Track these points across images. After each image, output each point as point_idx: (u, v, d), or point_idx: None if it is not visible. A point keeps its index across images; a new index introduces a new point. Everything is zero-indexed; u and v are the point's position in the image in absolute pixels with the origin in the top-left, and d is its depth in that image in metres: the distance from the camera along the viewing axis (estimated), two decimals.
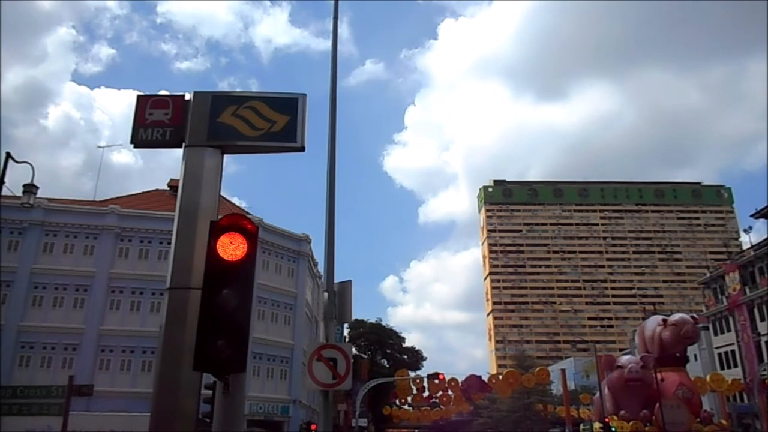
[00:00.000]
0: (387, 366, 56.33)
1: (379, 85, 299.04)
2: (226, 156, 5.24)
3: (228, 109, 5.44)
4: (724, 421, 40.07)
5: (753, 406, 41.18)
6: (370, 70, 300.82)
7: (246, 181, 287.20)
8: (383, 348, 58.53)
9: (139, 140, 5.30)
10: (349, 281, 8.24)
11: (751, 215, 61.26)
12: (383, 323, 60.73)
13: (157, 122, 5.33)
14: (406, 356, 59.59)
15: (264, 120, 5.47)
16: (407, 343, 62.14)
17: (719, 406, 47.79)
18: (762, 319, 56.54)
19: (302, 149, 5.57)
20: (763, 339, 55.84)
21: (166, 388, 4.34)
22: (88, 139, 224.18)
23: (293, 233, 40.12)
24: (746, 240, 77.93)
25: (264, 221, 37.11)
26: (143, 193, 41.03)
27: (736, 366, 57.54)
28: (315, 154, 8.51)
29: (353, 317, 59.72)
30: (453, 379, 45.44)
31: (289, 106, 5.58)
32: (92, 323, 32.01)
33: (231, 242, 4.09)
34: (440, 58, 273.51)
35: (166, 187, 39.95)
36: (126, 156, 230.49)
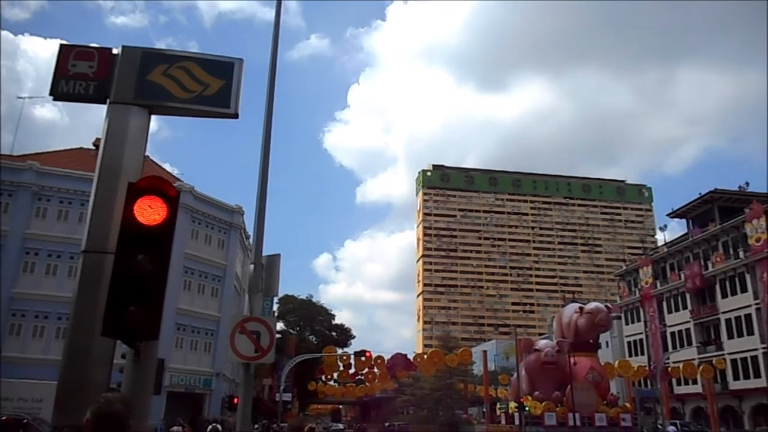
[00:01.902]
0: (315, 342, 56.42)
1: (324, 61, 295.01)
2: (159, 119, 5.05)
3: (159, 68, 5.20)
4: (628, 404, 42.67)
5: (655, 392, 43.99)
6: (315, 45, 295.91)
7: (180, 147, 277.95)
8: (312, 324, 58.53)
9: (59, 92, 5.02)
10: (278, 255, 8.15)
11: (668, 214, 65.05)
12: (314, 300, 60.75)
13: (80, 75, 5.05)
14: (334, 333, 59.87)
15: (196, 82, 5.27)
16: (337, 321, 62.52)
17: (625, 391, 50.80)
18: (669, 312, 60.37)
19: (235, 116, 5.41)
20: (669, 330, 59.69)
21: (76, 356, 4.17)
22: (9, 88, 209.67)
23: (226, 204, 39.23)
24: (661, 237, 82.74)
25: (196, 189, 36.09)
26: (66, 150, 38.88)
27: (642, 354, 61.31)
28: (255, 125, 8.28)
29: (284, 293, 59.32)
30: (379, 357, 46.15)
31: (224, 70, 5.40)
32: (3, 285, 30.27)
33: (150, 206, 3.93)
34: (387, 39, 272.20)
35: (91, 147, 38.04)
36: (50, 111, 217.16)
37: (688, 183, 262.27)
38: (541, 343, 42.10)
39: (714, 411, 48.84)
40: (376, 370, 48.65)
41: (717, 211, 57.05)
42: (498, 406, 47.56)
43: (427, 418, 67.11)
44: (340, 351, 51.79)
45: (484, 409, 53.63)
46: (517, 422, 37.81)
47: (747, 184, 57.82)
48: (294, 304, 57.29)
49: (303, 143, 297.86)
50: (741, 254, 50.87)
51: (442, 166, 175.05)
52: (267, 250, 7.87)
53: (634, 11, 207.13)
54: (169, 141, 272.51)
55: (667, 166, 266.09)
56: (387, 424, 70.58)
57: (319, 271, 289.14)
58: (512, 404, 41.08)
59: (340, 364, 46.71)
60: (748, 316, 49.88)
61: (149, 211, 3.91)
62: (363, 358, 43.42)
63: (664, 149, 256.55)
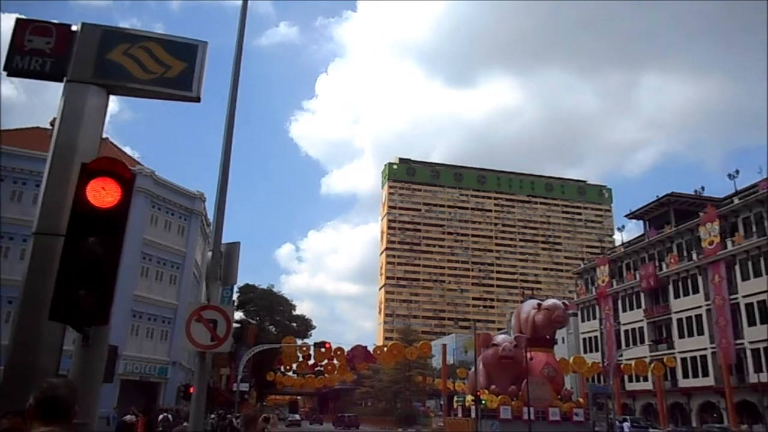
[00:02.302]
0: (275, 333, 56.00)
1: (292, 49, 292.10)
2: (122, 101, 4.91)
3: (119, 47, 5.06)
4: (581, 399, 43.67)
5: (607, 388, 45.25)
6: (284, 32, 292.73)
7: (143, 131, 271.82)
8: (273, 314, 58.06)
9: (13, 68, 4.84)
10: (237, 243, 8.03)
11: (626, 216, 66.80)
12: (275, 290, 60.23)
13: (36, 51, 4.88)
14: (295, 324, 59.53)
15: (158, 64, 5.15)
16: (298, 311, 62.18)
17: (579, 386, 52.03)
18: (624, 310, 62.06)
19: (197, 99, 5.31)
20: (623, 328, 61.40)
21: (23, 341, 4.05)
22: None
23: (187, 190, 38.53)
24: (619, 238, 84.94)
25: (156, 174, 35.33)
26: (21, 129, 37.51)
27: (597, 350, 62.93)
28: (220, 110, 8.14)
29: (245, 282, 58.69)
30: (339, 349, 46.08)
31: (187, 52, 5.28)
32: None
33: (103, 188, 3.82)
34: (357, 30, 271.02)
35: (48, 126, 36.80)
36: (7, 88, 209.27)
37: (646, 186, 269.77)
38: (500, 338, 42.68)
39: (663, 408, 50.53)
40: (335, 361, 48.55)
41: (673, 213, 58.82)
42: (455, 399, 48.11)
43: (385, 410, 67.65)
44: (300, 342, 51.56)
45: (442, 402, 54.24)
46: (473, 415, 38.31)
47: (702, 188, 59.85)
48: (255, 293, 56.71)
49: (269, 131, 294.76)
50: (694, 256, 52.59)
51: (409, 159, 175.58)
52: (228, 238, 7.76)
53: (601, 15, 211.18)
54: (131, 124, 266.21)
55: (626, 169, 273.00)
56: (339, 414, 71.18)
57: (281, 261, 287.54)
58: (469, 397, 41.60)
59: (300, 355, 46.47)
60: (698, 317, 51.67)
61: (102, 193, 3.81)
62: (323, 350, 43.32)
63: (625, 152, 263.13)
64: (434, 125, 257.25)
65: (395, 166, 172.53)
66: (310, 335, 60.85)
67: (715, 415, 49.04)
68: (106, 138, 37.83)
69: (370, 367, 64.91)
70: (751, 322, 45.52)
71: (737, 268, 47.75)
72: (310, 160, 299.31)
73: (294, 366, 50.07)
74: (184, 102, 5.43)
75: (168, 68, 5.11)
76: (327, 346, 42.80)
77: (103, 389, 4.87)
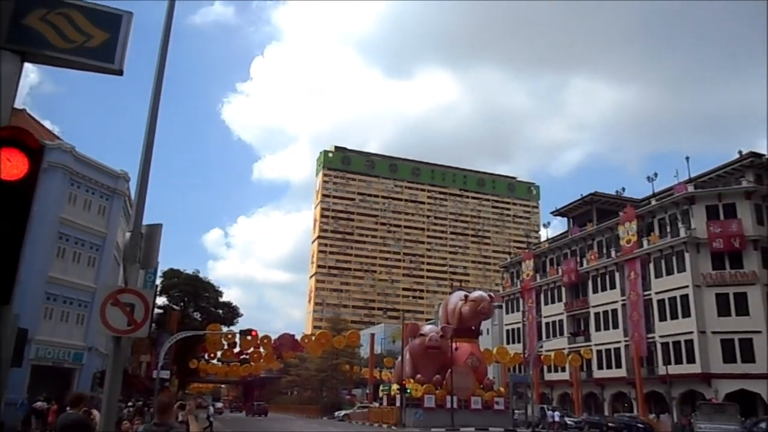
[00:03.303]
0: (200, 319, 54.56)
1: (228, 29, 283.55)
2: (42, 73, 4.55)
3: (36, 12, 4.71)
4: (502, 389, 45.22)
5: (527, 377, 47.02)
6: (220, 11, 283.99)
7: (65, 104, 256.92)
8: (198, 301, 56.51)
9: None
10: (159, 225, 7.68)
11: (551, 212, 69.42)
12: (201, 276, 58.54)
13: None
14: (221, 311, 58.21)
15: (79, 32, 4.84)
16: (225, 298, 60.72)
17: (501, 376, 53.80)
18: (546, 303, 64.55)
19: (119, 72, 5.06)
20: (544, 320, 63.87)
21: None
22: None
23: (110, 168, 36.74)
24: (544, 234, 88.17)
25: (77, 150, 33.50)
26: None
27: (519, 342, 65.16)
28: (149, 88, 7.75)
29: (170, 267, 56.75)
30: (266, 337, 45.53)
31: (110, 22, 4.98)
32: None
33: (8, 159, 3.55)
34: (295, 14, 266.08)
35: None
36: None
37: (572, 184, 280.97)
38: (427, 328, 43.49)
39: (578, 397, 53.01)
40: (261, 349, 47.97)
41: (595, 212, 61.57)
42: (381, 387, 48.67)
43: (311, 399, 67.58)
44: (225, 329, 50.52)
45: (368, 391, 54.70)
46: (398, 404, 38.88)
47: (623, 189, 62.88)
48: (179, 278, 54.97)
49: (199, 112, 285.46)
50: (613, 254, 55.29)
51: (344, 148, 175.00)
52: (152, 220, 7.43)
53: (535, 17, 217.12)
54: (53, 97, 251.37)
55: (553, 168, 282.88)
56: (251, 403, 71.27)
57: (209, 247, 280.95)
58: (394, 386, 42.19)
59: (225, 343, 45.54)
60: (614, 311, 54.43)
61: (8, 165, 3.54)
62: (249, 337, 42.63)
63: (553, 151, 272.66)
64: (371, 115, 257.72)
65: (330, 154, 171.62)
66: (237, 323, 59.71)
67: (626, 404, 51.96)
68: (23, 109, 35.52)
69: (297, 356, 64.54)
70: (662, 318, 48.40)
71: (651, 265, 50.59)
72: (243, 144, 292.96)
73: (218, 354, 49.12)
74: (107, 74, 5.18)
75: (89, 38, 4.82)
76: (253, 333, 42.16)
77: (13, 374, 4.57)
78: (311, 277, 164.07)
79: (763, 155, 50.71)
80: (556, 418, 40.10)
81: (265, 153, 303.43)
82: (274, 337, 45.93)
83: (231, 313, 59.58)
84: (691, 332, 45.38)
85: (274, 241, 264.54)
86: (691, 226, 47.75)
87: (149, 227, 7.13)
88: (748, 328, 43.42)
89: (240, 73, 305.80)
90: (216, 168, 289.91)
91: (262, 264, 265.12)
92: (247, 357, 52.56)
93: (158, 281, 50.57)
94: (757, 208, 46.61)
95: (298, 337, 46.00)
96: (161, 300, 54.23)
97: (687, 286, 46.47)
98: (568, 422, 43.29)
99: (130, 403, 29.64)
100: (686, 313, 46.18)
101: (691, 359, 45.19)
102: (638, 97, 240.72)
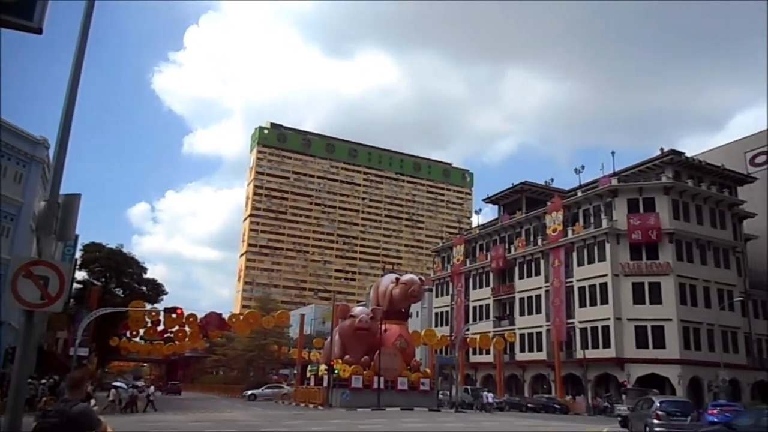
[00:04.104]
0: (122, 296, 52.43)
1: None
2: None
3: None
4: (428, 370, 46.15)
5: (453, 359, 48.12)
6: None
7: None
8: (120, 276, 54.22)
9: None
10: (78, 195, 7.22)
11: (483, 200, 70.88)
12: (125, 251, 56.14)
13: None
14: (145, 288, 56.12)
15: None
16: (149, 275, 58.52)
17: (428, 357, 54.88)
18: (474, 288, 66.20)
19: (39, 31, 4.73)
20: (472, 304, 65.53)
21: None
22: None
23: (27, 133, 34.50)
24: (476, 220, 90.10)
25: None
26: None
27: (447, 324, 66.64)
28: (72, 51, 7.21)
29: (91, 240, 54.15)
30: (192, 315, 44.41)
31: None
32: None
33: None
34: None
35: None
36: None
37: (503, 173, 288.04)
38: (357, 309, 43.62)
39: (501, 378, 54.89)
40: (187, 328, 46.74)
41: (525, 201, 63.44)
42: (309, 368, 48.62)
43: (237, 379, 66.82)
44: (149, 306, 48.83)
45: (296, 371, 54.55)
46: (325, 384, 38.97)
47: (552, 180, 65.07)
48: (101, 252, 52.52)
49: (128, 80, 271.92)
50: (539, 241, 57.23)
51: (281, 125, 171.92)
52: (73, 190, 6.98)
53: (475, 6, 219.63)
54: None
55: (486, 156, 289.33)
56: (170, 383, 70.31)
57: (134, 221, 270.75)
58: (322, 367, 42.24)
59: (148, 320, 44.02)
60: (538, 297, 56.51)
61: None
62: (174, 315, 41.40)
63: (487, 140, 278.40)
64: (308, 93, 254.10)
65: (266, 131, 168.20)
66: (162, 300, 57.80)
67: (545, 386, 54.27)
68: None
69: (225, 335, 63.51)
70: (582, 304, 50.68)
71: (574, 254, 52.75)
72: (174, 116, 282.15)
73: (141, 332, 47.56)
74: (26, 33, 4.81)
75: None
76: (179, 312, 41.01)
77: None
78: (242, 255, 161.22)
79: (683, 153, 53.66)
80: (490, 399, 41.75)
81: (197, 126, 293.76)
82: (200, 315, 44.87)
83: (155, 290, 57.62)
84: (608, 319, 47.77)
85: (204, 217, 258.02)
86: (613, 218, 50.04)
87: (67, 197, 6.68)
88: (660, 316, 46.16)
89: (173, 42, 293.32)
90: (144, 139, 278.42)
91: (190, 241, 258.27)
92: (172, 336, 51.12)
93: (78, 255, 48.19)
94: (674, 203, 49.37)
95: (226, 317, 45.11)
96: (81, 275, 51.75)
97: (606, 275, 48.79)
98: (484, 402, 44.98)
99: (44, 381, 28.24)
100: (604, 301, 48.54)
101: (606, 344, 47.62)
102: (570, 92, 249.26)
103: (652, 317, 46.35)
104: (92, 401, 32.10)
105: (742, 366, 47.99)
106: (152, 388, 37.40)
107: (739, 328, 49.39)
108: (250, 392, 51.41)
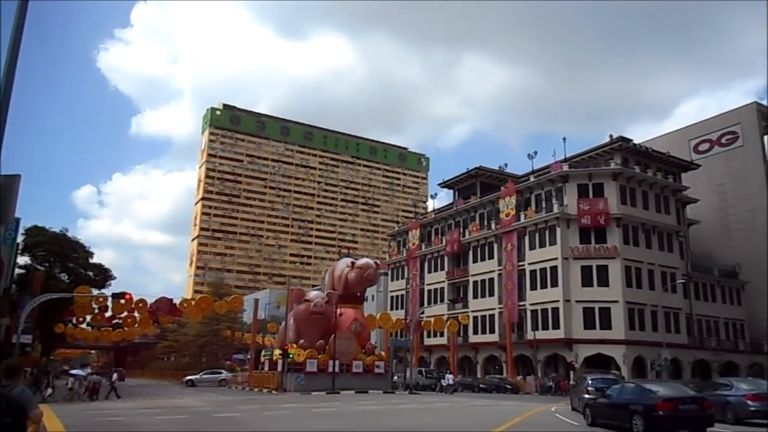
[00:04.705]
0: (67, 281, 50.54)
1: None
2: None
3: None
4: (383, 353, 46.47)
5: (408, 342, 48.57)
6: None
7: None
8: (65, 261, 52.19)
9: None
10: (18, 176, 6.85)
11: (438, 184, 71.34)
12: (70, 235, 54.01)
13: None
14: (91, 273, 54.23)
15: None
16: (96, 260, 56.56)
17: (383, 340, 55.22)
18: (429, 272, 66.78)
19: None
20: (427, 288, 66.14)
21: None
22: None
23: None
24: (431, 204, 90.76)
25: None
26: None
27: (402, 308, 67.11)
28: (9, 24, 6.72)
29: (33, 223, 51.93)
30: (141, 300, 43.30)
31: None
32: None
33: None
34: None
35: None
36: None
37: (458, 158, 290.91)
38: (312, 293, 43.40)
39: (454, 360, 55.73)
40: (136, 314, 45.62)
41: (479, 186, 64.19)
42: (263, 353, 48.20)
43: (189, 365, 65.75)
44: (96, 292, 47.29)
45: (249, 356, 54.04)
46: (279, 369, 38.71)
47: (506, 165, 66.03)
48: (44, 236, 50.42)
49: (73, 57, 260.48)
50: (493, 226, 58.06)
51: (234, 107, 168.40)
52: (12, 171, 6.67)
53: None
54: None
55: (441, 141, 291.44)
56: (114, 369, 69.03)
57: (79, 204, 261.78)
58: (277, 351, 41.93)
59: (95, 306, 42.64)
60: (491, 280, 57.43)
61: None
62: (122, 301, 40.17)
63: (442, 125, 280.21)
64: (262, 75, 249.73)
65: (218, 112, 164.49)
66: (109, 285, 55.98)
67: (497, 366, 55.43)
68: None
69: (176, 321, 62.28)
70: (533, 287, 51.78)
71: (527, 238, 53.75)
72: (120, 95, 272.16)
73: (88, 318, 46.09)
74: None
75: None
76: (127, 297, 39.81)
77: None
78: (193, 240, 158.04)
79: (631, 140, 55.14)
80: (450, 381, 42.57)
81: (146, 107, 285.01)
82: (150, 301, 43.79)
83: (102, 275, 55.79)
84: (558, 301, 48.99)
85: (154, 200, 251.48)
86: (564, 203, 51.14)
87: (6, 178, 6.29)
88: (607, 298, 47.62)
89: (119, 18, 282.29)
90: (89, 120, 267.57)
91: (139, 225, 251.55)
92: (120, 322, 49.79)
93: (20, 239, 46.12)
94: (622, 189, 50.79)
95: (177, 302, 44.14)
96: (23, 259, 49.60)
97: (556, 258, 49.94)
98: (443, 383, 45.78)
99: None
100: (554, 283, 49.72)
101: (556, 325, 48.88)
102: (524, 79, 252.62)
103: (600, 299, 47.78)
104: (49, 390, 31.21)
105: (684, 345, 50.08)
106: (115, 375, 36.66)
107: (681, 309, 51.44)
108: (187, 378, 50.83)
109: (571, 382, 39.71)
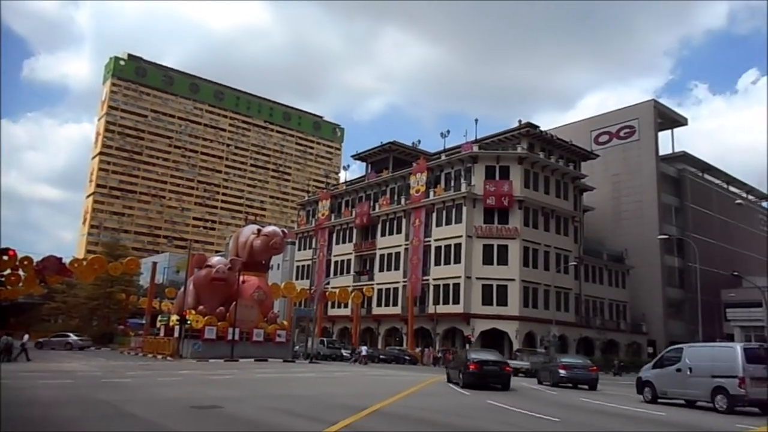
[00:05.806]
0: None
1: None
2: None
3: None
4: (285, 322, 46.18)
5: (311, 312, 48.51)
6: None
7: None
8: None
9: None
10: None
11: (352, 156, 71.13)
12: None
13: None
14: None
15: None
16: None
17: (287, 310, 54.83)
18: (337, 243, 66.81)
19: None
20: (334, 259, 66.19)
21: None
22: None
23: None
24: (343, 176, 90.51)
25: None
26: None
27: (308, 278, 66.93)
28: None
29: None
30: (27, 258, 40.06)
31: None
32: None
33: None
34: None
35: None
36: None
37: (372, 132, 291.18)
38: (215, 259, 42.17)
39: (357, 331, 56.38)
40: (21, 272, 42.30)
41: (392, 160, 64.63)
42: (159, 318, 46.45)
43: (78, 328, 62.32)
44: None
45: (144, 321, 51.95)
46: (176, 335, 37.46)
47: (419, 141, 66.99)
48: None
49: None
50: (402, 201, 58.77)
51: (140, 58, 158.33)
52: None
53: None
54: None
55: (355, 113, 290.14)
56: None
57: None
58: (174, 317, 40.53)
59: None
60: (397, 254, 58.34)
61: None
62: (5, 258, 37.15)
63: (359, 96, 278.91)
64: (171, 26, 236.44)
65: (122, 62, 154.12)
66: None
67: (397, 338, 56.73)
68: None
69: (65, 282, 58.58)
70: (437, 263, 53.13)
71: (434, 215, 54.90)
72: (12, 35, 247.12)
73: None
74: None
75: None
76: (11, 253, 36.75)
77: None
78: (88, 196, 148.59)
79: (537, 126, 57.35)
80: (364, 352, 42.97)
81: (40, 50, 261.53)
82: (37, 259, 40.73)
83: None
84: (459, 277, 50.65)
85: (45, 152, 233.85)
86: (472, 183, 52.60)
87: None
88: (505, 276, 49.80)
89: None
90: None
91: (27, 177, 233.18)
92: (3, 280, 46.05)
93: None
94: (526, 173, 52.90)
95: (67, 261, 41.39)
96: None
97: (461, 236, 51.46)
98: (344, 354, 46.33)
99: None
100: (457, 260, 51.29)
101: (456, 300, 50.58)
102: (441, 58, 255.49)
103: (498, 277, 49.89)
104: None
105: (571, 323, 53.47)
106: (26, 336, 34.23)
107: (571, 290, 54.78)
108: (37, 341, 49.19)
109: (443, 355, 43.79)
